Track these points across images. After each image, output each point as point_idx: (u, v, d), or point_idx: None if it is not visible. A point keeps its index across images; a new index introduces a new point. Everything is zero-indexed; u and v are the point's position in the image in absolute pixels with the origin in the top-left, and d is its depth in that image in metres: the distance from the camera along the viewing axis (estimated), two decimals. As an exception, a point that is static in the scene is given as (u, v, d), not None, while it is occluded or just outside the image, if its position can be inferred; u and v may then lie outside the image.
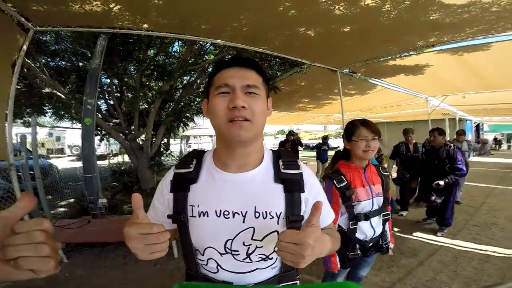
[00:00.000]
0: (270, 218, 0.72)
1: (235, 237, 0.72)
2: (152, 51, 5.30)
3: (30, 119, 4.47)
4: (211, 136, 16.24)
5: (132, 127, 5.89)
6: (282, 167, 0.76)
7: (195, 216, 0.73)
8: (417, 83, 5.30)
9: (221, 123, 0.69)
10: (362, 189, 1.47)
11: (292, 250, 0.57)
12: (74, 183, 6.34)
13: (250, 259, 0.74)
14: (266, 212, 0.72)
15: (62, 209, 4.85)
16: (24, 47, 2.57)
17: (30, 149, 4.35)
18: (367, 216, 1.47)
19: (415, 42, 3.22)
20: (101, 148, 10.53)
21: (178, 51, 5.60)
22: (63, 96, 4.50)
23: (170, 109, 6.32)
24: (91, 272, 2.76)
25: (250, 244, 0.73)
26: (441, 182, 3.37)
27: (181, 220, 0.73)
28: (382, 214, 1.53)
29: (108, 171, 7.80)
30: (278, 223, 0.72)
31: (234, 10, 2.54)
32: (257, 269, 0.75)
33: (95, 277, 2.68)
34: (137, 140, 6.01)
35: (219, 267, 0.75)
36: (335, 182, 1.45)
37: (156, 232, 0.55)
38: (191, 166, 0.77)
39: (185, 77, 6.15)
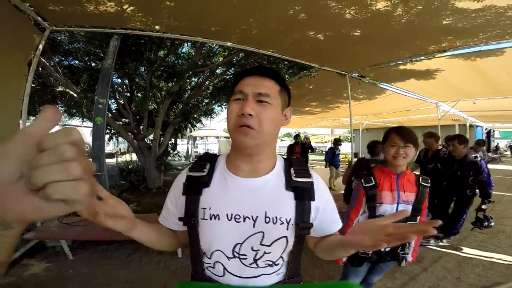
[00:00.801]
0: (280, 224, 0.73)
1: (244, 241, 0.73)
2: (162, 52, 5.37)
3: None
4: (217, 137, 16.33)
5: (141, 126, 5.97)
6: (294, 175, 0.77)
7: (206, 219, 0.74)
8: (427, 88, 5.22)
9: (231, 128, 0.72)
10: (388, 193, 1.49)
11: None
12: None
13: (257, 264, 0.74)
14: (276, 217, 0.72)
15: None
16: (40, 46, 2.64)
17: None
18: None
19: (427, 46, 3.18)
20: (109, 146, 10.71)
21: (188, 52, 5.66)
22: (75, 95, 4.60)
23: (178, 110, 6.38)
24: (96, 270, 2.79)
25: (258, 250, 0.73)
26: (484, 207, 3.19)
27: (192, 224, 0.74)
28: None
29: (116, 169, 7.90)
30: (287, 229, 0.73)
31: (244, 13, 2.56)
32: (262, 274, 0.75)
33: (99, 274, 2.71)
34: (145, 139, 6.08)
35: (225, 271, 0.75)
36: (362, 181, 1.53)
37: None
38: (204, 170, 0.78)
39: (194, 79, 6.22)
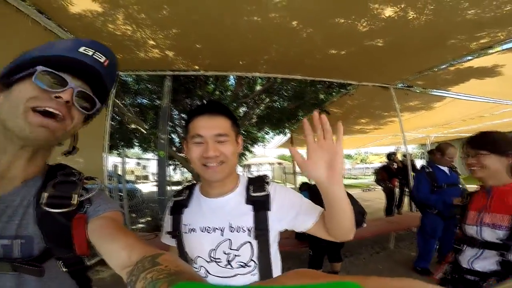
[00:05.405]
0: (243, 232, 0.88)
1: (216, 247, 0.89)
2: (211, 86, 6.00)
3: (123, 151, 5.57)
4: (271, 164, 16.65)
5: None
6: (252, 191, 0.93)
7: (186, 232, 0.94)
8: (494, 89, 4.51)
9: (197, 167, 0.89)
10: (473, 213, 1.37)
11: None
12: (153, 204, 7.41)
13: (231, 265, 0.88)
14: (239, 227, 0.89)
15: (141, 225, 5.73)
16: (113, 90, 3.42)
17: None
18: None
19: (467, 45, 2.90)
20: (177, 175, 12.09)
21: (234, 85, 6.21)
22: (145, 132, 5.55)
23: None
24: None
25: (230, 253, 0.88)
26: None
27: (177, 235, 0.95)
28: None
29: (181, 195, 8.75)
30: (249, 236, 0.88)
31: (261, 44, 2.84)
32: (238, 274, 0.88)
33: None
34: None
35: (207, 273, 0.91)
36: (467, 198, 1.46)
37: None
38: (183, 195, 1.00)
39: (241, 109, 6.72)
